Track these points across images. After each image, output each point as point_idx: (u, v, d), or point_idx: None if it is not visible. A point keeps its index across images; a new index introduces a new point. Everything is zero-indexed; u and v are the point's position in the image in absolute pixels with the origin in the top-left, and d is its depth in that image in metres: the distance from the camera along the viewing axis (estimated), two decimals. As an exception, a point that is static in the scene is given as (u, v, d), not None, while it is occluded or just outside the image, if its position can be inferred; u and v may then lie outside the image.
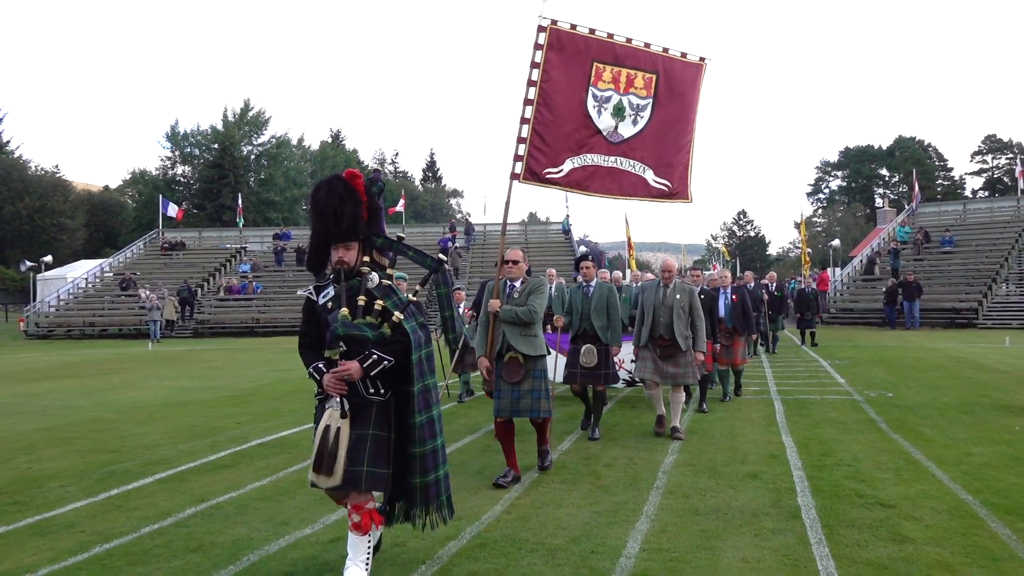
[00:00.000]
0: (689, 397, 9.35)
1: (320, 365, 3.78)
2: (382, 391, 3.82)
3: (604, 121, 6.96)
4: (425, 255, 4.25)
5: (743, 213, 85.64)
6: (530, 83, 6.69)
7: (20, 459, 7.22)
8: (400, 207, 38.05)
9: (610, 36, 6.96)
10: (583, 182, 6.93)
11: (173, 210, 39.83)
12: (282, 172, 59.84)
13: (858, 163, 74.53)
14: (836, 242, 43.03)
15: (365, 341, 3.71)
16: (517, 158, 6.68)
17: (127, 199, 67.04)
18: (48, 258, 38.04)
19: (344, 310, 3.70)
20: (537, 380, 5.97)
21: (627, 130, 7.06)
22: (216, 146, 60.97)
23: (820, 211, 75.89)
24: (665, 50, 7.18)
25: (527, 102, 6.70)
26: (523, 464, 6.33)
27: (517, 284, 6.05)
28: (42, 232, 51.75)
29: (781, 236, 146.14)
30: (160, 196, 42.01)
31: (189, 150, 63.25)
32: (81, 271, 37.03)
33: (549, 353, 7.00)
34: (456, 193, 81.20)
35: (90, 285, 35.06)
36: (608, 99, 6.97)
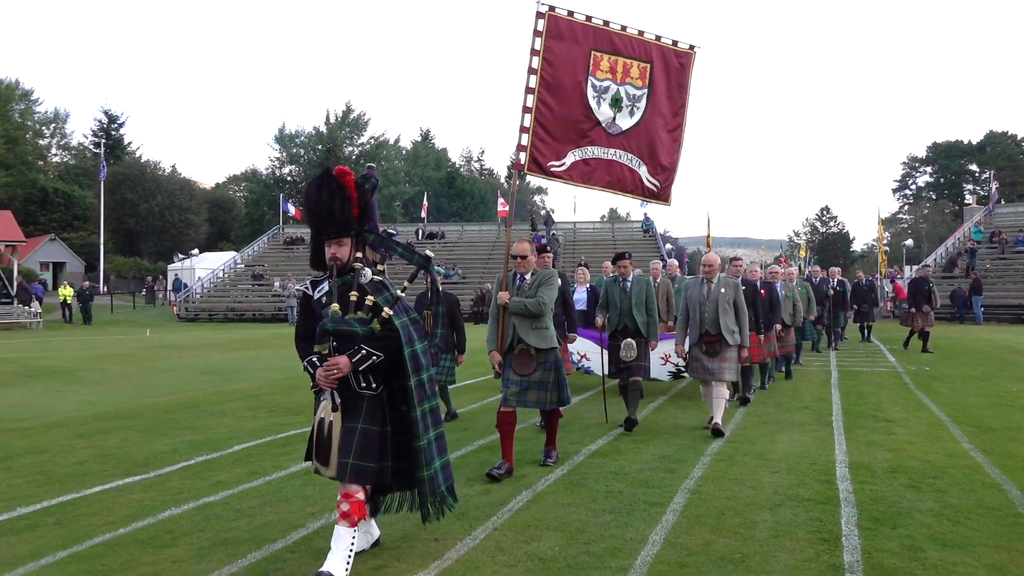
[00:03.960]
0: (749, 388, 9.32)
1: (314, 359, 3.84)
2: (374, 385, 3.86)
3: (603, 112, 6.89)
4: (413, 251, 4.18)
5: (826, 209, 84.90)
6: (531, 71, 6.63)
7: (297, 393, 10.66)
8: (501, 205, 41.29)
9: (606, 24, 6.88)
10: (585, 176, 6.94)
11: (292, 210, 44.37)
12: (382, 172, 64.35)
13: (946, 159, 73.99)
14: (909, 241, 44.88)
15: (354, 336, 3.75)
16: (520, 148, 6.71)
17: (236, 196, 73.11)
18: (195, 251, 43.23)
19: (335, 305, 3.76)
20: (547, 372, 5.95)
21: (625, 122, 6.98)
22: (320, 147, 66.17)
23: (906, 208, 75.65)
24: (658, 38, 7.10)
25: (528, 90, 6.64)
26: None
27: (527, 277, 6.05)
28: (171, 227, 57.72)
29: (865, 232, 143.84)
30: (280, 196, 46.69)
31: (295, 151, 68.69)
32: (206, 263, 42.04)
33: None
34: (541, 190, 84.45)
35: (225, 275, 39.85)
36: (606, 89, 6.88)
